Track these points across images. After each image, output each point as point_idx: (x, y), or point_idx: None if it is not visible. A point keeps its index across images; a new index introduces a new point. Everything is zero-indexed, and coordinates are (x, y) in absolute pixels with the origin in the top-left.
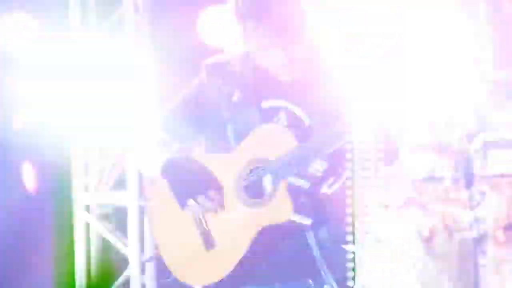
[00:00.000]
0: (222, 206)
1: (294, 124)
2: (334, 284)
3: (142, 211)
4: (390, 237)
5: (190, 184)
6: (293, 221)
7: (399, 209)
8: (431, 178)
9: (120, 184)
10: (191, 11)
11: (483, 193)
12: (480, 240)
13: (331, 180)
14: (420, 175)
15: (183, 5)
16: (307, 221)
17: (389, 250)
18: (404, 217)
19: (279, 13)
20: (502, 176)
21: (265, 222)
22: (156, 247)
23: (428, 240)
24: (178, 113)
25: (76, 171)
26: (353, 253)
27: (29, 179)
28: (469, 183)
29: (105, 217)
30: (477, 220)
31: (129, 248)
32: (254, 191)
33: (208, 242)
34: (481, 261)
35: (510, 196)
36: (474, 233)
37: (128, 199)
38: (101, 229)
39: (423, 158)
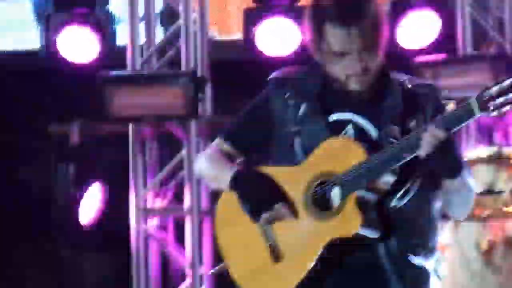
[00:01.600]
0: (291, 219)
1: (362, 137)
2: None
3: (199, 223)
4: (449, 249)
5: (260, 198)
6: (362, 235)
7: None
8: (490, 192)
9: (178, 196)
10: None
11: None
12: None
13: (400, 193)
14: (479, 189)
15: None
16: (375, 235)
17: (449, 262)
18: (463, 230)
19: (363, 18)
20: None
21: (333, 236)
22: (222, 260)
23: (487, 253)
24: (243, 125)
25: (135, 181)
26: (424, 266)
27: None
28: None
29: (163, 228)
30: None
31: (186, 260)
32: (322, 205)
33: (276, 254)
34: None
35: None
36: None
37: (186, 211)
38: (160, 241)
39: (482, 171)
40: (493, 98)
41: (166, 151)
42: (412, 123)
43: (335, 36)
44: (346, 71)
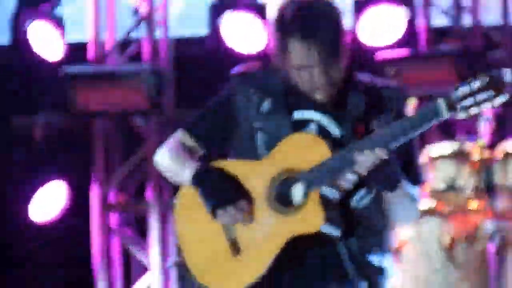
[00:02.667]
0: (252, 215)
1: (325, 136)
2: None
3: (162, 218)
4: (411, 244)
5: (221, 193)
6: (323, 232)
7: (421, 218)
8: (452, 187)
9: (140, 191)
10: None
11: (503, 203)
12: (500, 249)
13: (361, 194)
14: (441, 185)
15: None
16: (337, 232)
17: (411, 257)
18: (425, 225)
19: (324, 32)
20: None
21: (295, 232)
22: (180, 253)
23: (448, 249)
24: (205, 119)
25: (97, 177)
26: (381, 265)
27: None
28: (490, 193)
29: (125, 224)
30: (498, 229)
31: (150, 255)
32: (285, 200)
33: (236, 249)
34: (502, 269)
35: None
36: (494, 242)
37: (148, 205)
38: (122, 236)
39: (444, 168)
40: (461, 99)
41: (129, 146)
42: (376, 123)
43: (297, 50)
44: (311, 83)
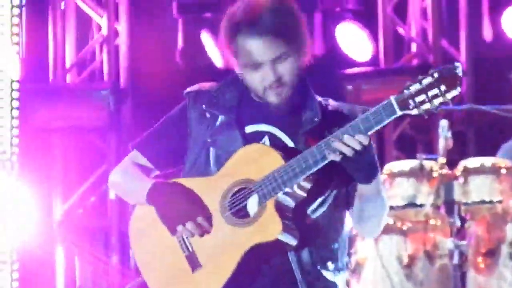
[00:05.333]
0: (209, 231)
1: (279, 146)
2: None
3: (122, 236)
4: (371, 262)
5: (179, 209)
6: (280, 241)
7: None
8: (412, 205)
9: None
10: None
11: (463, 220)
12: (460, 266)
13: (315, 204)
14: (401, 202)
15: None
16: (293, 242)
17: (370, 276)
18: (384, 242)
19: (278, 29)
20: (483, 202)
21: (252, 242)
22: (139, 272)
23: (408, 266)
24: (158, 137)
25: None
26: (334, 279)
27: None
28: (449, 210)
29: (86, 243)
30: (457, 246)
31: (112, 272)
32: (240, 212)
33: (194, 264)
34: (461, 287)
35: (489, 223)
36: (454, 260)
37: (108, 224)
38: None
39: (404, 185)
40: (412, 96)
41: (88, 163)
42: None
43: (248, 47)
44: (263, 82)
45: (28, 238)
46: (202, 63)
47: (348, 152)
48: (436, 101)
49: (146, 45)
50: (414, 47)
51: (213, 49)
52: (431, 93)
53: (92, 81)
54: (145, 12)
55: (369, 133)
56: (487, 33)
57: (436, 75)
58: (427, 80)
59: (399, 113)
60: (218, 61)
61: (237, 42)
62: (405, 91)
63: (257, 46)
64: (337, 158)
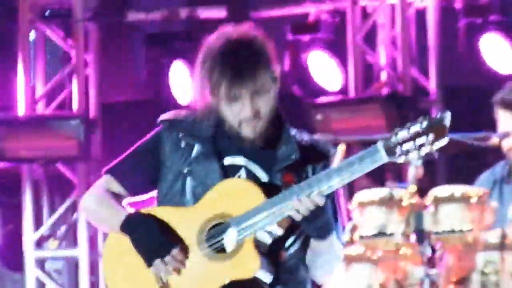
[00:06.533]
0: (184, 264)
1: (255, 181)
2: None
3: (93, 265)
4: None
5: (155, 242)
6: (256, 278)
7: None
8: (382, 234)
9: (70, 238)
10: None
11: (434, 249)
12: None
13: (288, 242)
14: (371, 231)
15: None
16: (269, 278)
17: None
18: (354, 271)
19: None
20: (453, 231)
21: (232, 277)
22: None
23: None
24: (132, 164)
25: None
26: None
27: None
28: (420, 239)
29: (56, 272)
30: (428, 275)
31: None
32: (217, 246)
33: None
34: None
35: (460, 252)
36: None
37: (79, 254)
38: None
39: (374, 214)
40: (400, 143)
41: (58, 193)
42: (304, 175)
43: (225, 80)
44: (238, 116)
45: None
46: (165, 96)
47: (303, 212)
48: (423, 151)
49: (116, 75)
50: (383, 76)
51: (183, 80)
52: (418, 141)
53: (62, 110)
54: (115, 42)
55: (355, 178)
56: (460, 61)
57: (425, 124)
58: (415, 128)
59: (385, 160)
60: (180, 98)
61: (215, 75)
62: (393, 138)
63: (236, 80)
64: (297, 217)
